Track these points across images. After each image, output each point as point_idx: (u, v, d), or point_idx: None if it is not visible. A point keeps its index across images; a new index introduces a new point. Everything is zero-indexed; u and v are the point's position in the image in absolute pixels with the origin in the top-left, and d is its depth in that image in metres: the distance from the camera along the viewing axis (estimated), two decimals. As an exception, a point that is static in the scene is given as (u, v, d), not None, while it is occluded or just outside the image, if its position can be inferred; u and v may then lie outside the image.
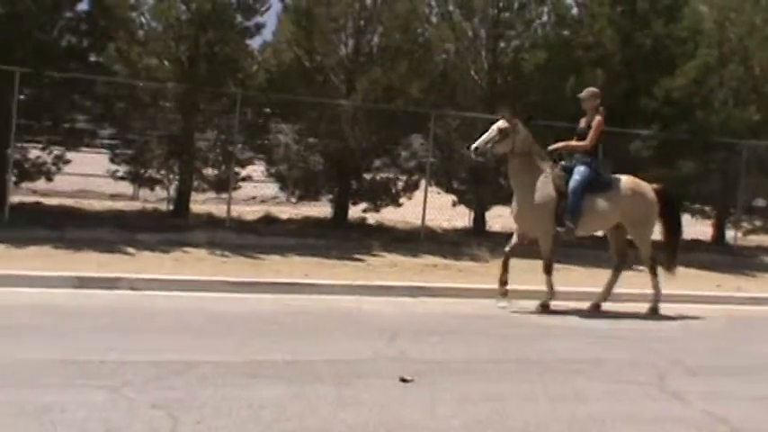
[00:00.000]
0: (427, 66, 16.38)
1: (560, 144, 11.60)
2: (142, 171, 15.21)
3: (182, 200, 15.40)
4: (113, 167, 15.24)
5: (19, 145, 14.10)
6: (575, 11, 18.16)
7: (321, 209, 16.78)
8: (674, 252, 12.15)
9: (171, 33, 14.55)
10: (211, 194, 16.06)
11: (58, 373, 6.67)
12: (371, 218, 16.60)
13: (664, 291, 11.84)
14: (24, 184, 14.83)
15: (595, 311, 11.44)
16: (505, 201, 16.97)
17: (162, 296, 10.16)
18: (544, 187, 11.16)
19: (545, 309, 11.15)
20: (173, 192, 15.72)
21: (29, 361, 6.95)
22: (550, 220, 11.17)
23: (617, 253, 11.93)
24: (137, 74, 14.57)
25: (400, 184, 16.54)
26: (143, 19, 14.97)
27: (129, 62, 14.48)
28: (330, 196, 16.45)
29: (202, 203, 16.37)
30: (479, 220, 17.31)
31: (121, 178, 15.41)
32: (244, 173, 15.72)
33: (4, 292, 9.53)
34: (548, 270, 11.27)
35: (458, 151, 16.33)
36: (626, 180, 11.74)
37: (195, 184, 15.38)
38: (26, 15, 13.69)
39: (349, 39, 15.93)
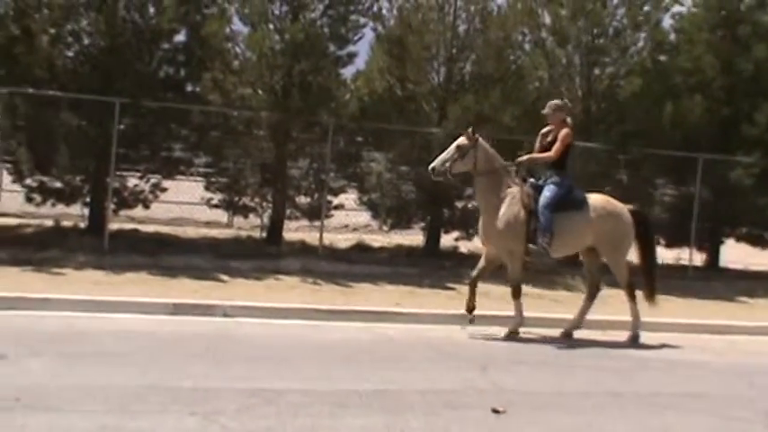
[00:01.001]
0: (520, 93, 16.22)
1: (525, 157, 11.05)
2: (236, 199, 15.38)
3: (275, 227, 15.53)
4: (208, 195, 15.46)
5: (118, 173, 14.40)
6: (672, 36, 17.82)
7: (413, 237, 16.72)
8: (651, 278, 11.41)
9: (265, 63, 14.71)
10: (304, 222, 16.13)
11: (152, 399, 6.73)
12: (464, 246, 16.46)
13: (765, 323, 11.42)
14: (123, 212, 15.13)
15: (566, 339, 10.85)
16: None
17: (254, 323, 10.21)
18: (511, 206, 10.64)
19: (514, 335, 10.64)
20: (266, 219, 15.86)
21: (124, 386, 7.03)
22: (518, 241, 10.63)
23: (588, 277, 11.32)
24: (231, 103, 14.78)
25: (493, 213, 16.35)
26: (238, 49, 15.17)
27: (223, 91, 14.70)
28: (422, 224, 16.38)
29: (295, 231, 16.49)
30: (574, 249, 16.98)
31: (216, 206, 15.61)
32: (336, 201, 15.76)
33: (102, 318, 9.72)
34: (516, 294, 10.78)
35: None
36: (599, 199, 11.11)
37: (288, 211, 15.48)
38: (126, 48, 14.03)
39: (441, 67, 15.91)
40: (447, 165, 10.69)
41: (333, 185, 15.63)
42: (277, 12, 14.97)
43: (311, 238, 15.75)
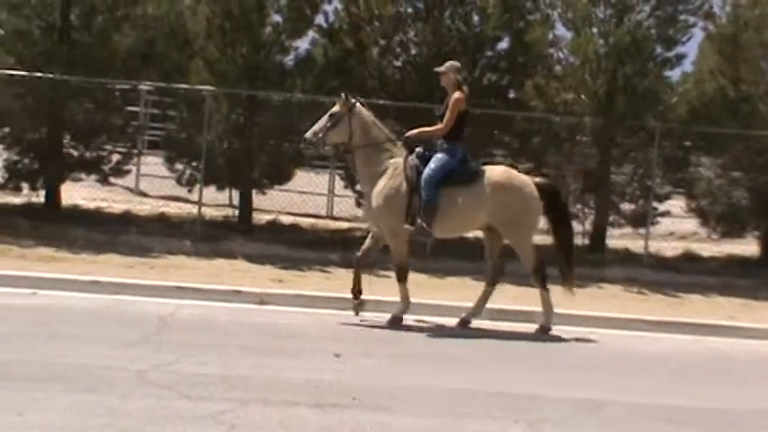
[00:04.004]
0: None
1: (414, 131, 9.86)
2: (558, 205, 15.25)
3: (597, 234, 15.21)
4: (530, 201, 15.43)
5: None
6: None
7: (746, 247, 15.77)
8: (568, 262, 10.13)
9: (588, 67, 14.47)
10: (628, 229, 15.69)
11: (477, 403, 6.80)
12: (805, 257, 15.31)
13: None
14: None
15: (463, 327, 9.76)
16: None
17: (576, 332, 10.04)
18: (392, 179, 9.58)
19: (397, 321, 9.63)
20: (588, 226, 15.59)
21: (451, 389, 7.17)
22: (399, 219, 9.54)
23: (491, 261, 10.09)
24: (553, 109, 14.68)
25: (839, 221, 15.09)
26: (560, 54, 15.08)
27: (546, 97, 14.64)
28: (756, 233, 15.42)
29: (618, 238, 16.05)
30: None
31: (537, 212, 15.55)
32: (662, 208, 15.23)
33: (426, 321, 9.95)
34: (401, 277, 9.74)
35: None
36: (497, 171, 9.86)
37: (611, 218, 15.14)
38: (451, 56, 14.15)
39: (779, 65, 14.92)
40: (320, 135, 9.79)
41: (659, 191, 15.10)
42: (601, 15, 14.65)
43: (635, 245, 15.27)
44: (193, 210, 14.32)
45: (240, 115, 14.10)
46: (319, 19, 14.58)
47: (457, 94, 9.71)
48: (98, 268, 10.70)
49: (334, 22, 14.74)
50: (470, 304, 10.39)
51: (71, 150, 14.34)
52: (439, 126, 9.77)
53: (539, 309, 10.50)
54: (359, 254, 10.06)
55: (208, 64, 13.88)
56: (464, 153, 9.79)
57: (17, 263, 10.82)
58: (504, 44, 14.90)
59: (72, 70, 13.42)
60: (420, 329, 9.57)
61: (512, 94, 15.25)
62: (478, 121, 14.68)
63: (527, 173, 10.58)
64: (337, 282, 11.38)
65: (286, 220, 15.26)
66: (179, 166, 14.87)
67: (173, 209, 15.52)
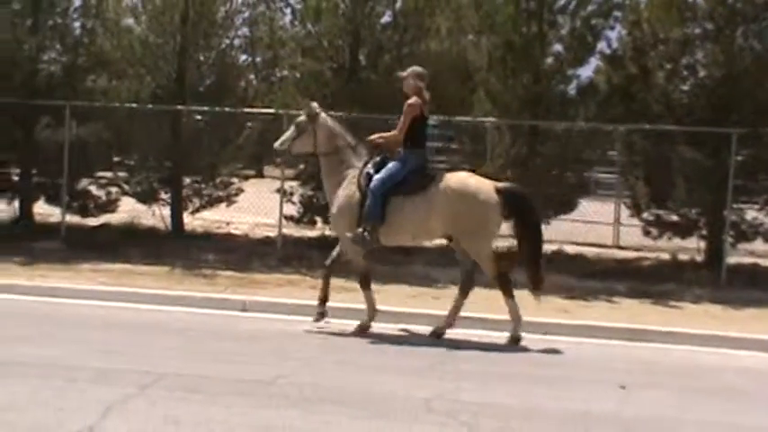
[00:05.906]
0: None
1: (374, 136, 9.75)
2: None
3: None
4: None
5: (735, 206, 13.98)
6: None
7: None
8: (535, 267, 9.52)
9: None
10: None
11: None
12: None
13: None
14: (741, 245, 14.63)
15: (437, 339, 9.41)
16: None
17: None
18: (347, 188, 9.58)
19: (364, 330, 9.57)
20: None
21: (739, 427, 6.83)
22: (352, 227, 9.42)
23: (461, 270, 9.68)
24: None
25: None
26: None
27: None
28: None
29: None
30: None
31: None
32: None
33: (722, 354, 9.46)
34: (364, 284, 9.68)
35: None
36: (454, 178, 9.51)
37: None
38: (744, 76, 13.62)
39: None
40: (286, 145, 9.91)
41: None
42: None
43: None
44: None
45: (522, 145, 14.09)
46: (601, 45, 14.38)
47: (410, 101, 9.53)
48: (384, 298, 11.01)
49: (618, 48, 14.46)
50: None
51: (360, 185, 14.92)
52: (393, 132, 9.70)
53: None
54: (327, 263, 9.91)
55: (490, 95, 14.03)
56: (419, 161, 9.63)
57: (310, 293, 11.34)
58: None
59: (359, 108, 14.01)
60: (714, 363, 9.09)
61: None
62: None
63: (494, 178, 10.12)
64: (624, 312, 11.10)
65: (570, 249, 15.02)
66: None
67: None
